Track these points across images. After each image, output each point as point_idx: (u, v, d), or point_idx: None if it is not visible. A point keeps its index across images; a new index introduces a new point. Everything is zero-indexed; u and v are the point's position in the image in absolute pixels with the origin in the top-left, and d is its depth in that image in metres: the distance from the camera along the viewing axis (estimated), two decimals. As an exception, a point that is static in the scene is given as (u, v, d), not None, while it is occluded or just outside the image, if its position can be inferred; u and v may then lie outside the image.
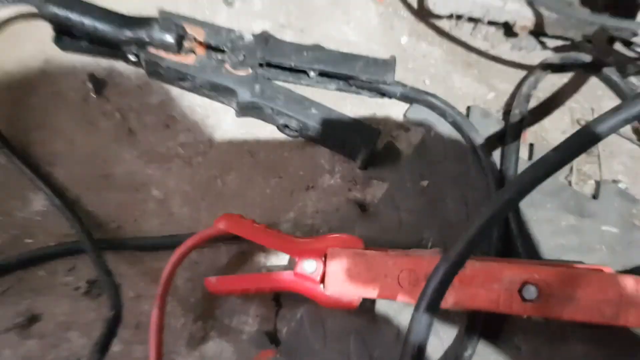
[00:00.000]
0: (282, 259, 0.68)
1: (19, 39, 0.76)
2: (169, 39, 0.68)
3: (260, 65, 0.71)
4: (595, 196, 0.72)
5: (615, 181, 0.73)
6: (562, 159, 0.46)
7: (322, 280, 0.58)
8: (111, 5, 0.72)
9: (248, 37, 0.71)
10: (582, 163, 0.75)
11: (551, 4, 0.70)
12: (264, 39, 0.72)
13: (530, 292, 0.53)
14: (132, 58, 0.72)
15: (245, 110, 0.71)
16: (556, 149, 0.46)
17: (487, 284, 0.54)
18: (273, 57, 0.71)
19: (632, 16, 0.69)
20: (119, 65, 0.76)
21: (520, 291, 0.53)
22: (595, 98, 0.78)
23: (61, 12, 0.68)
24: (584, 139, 0.47)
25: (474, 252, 0.50)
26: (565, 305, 0.53)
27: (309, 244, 0.61)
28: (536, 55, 0.80)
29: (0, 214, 0.68)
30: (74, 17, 0.68)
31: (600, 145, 0.76)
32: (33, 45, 0.76)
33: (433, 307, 0.43)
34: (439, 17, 0.80)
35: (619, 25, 0.68)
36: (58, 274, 0.66)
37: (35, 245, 0.67)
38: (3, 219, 0.68)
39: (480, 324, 0.61)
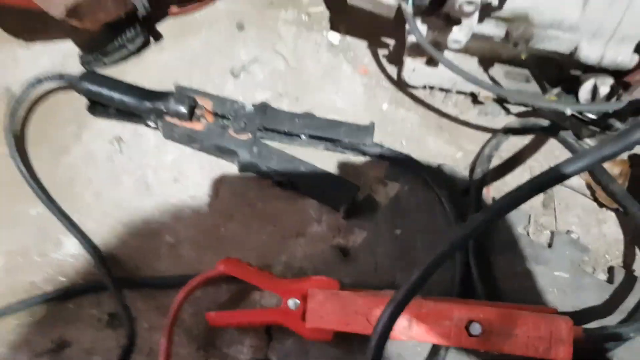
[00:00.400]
0: (273, 297, 0.79)
1: (58, 107, 0.91)
2: (183, 109, 0.82)
3: (259, 130, 0.84)
4: (550, 245, 0.82)
5: (569, 232, 0.83)
6: (491, 216, 0.56)
7: (303, 316, 0.69)
8: (136, 80, 0.87)
9: (249, 107, 0.85)
10: (539, 215, 0.85)
11: (501, 91, 0.82)
12: (263, 108, 0.85)
13: (475, 328, 0.63)
14: (151, 124, 0.86)
15: (246, 167, 0.84)
16: (484, 211, 0.56)
17: (440, 321, 0.64)
18: (270, 124, 0.84)
19: (576, 91, 0.80)
20: (141, 128, 0.89)
21: (467, 328, 0.63)
22: (553, 158, 0.89)
23: (94, 88, 0.82)
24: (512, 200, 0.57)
25: (433, 293, 0.60)
26: (505, 341, 0.63)
27: (293, 285, 0.72)
28: (500, 119, 0.91)
29: (38, 255, 0.81)
30: (105, 92, 0.82)
31: (557, 199, 0.86)
32: (69, 112, 0.90)
33: (383, 338, 0.54)
34: (414, 87, 0.92)
35: (560, 107, 0.78)
36: (85, 307, 0.78)
37: (66, 282, 0.79)
38: (41, 260, 0.81)
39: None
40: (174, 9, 0.96)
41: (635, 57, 0.73)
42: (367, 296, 0.68)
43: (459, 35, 0.73)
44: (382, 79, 0.96)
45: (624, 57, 0.72)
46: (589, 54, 0.72)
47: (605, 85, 0.75)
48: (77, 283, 0.79)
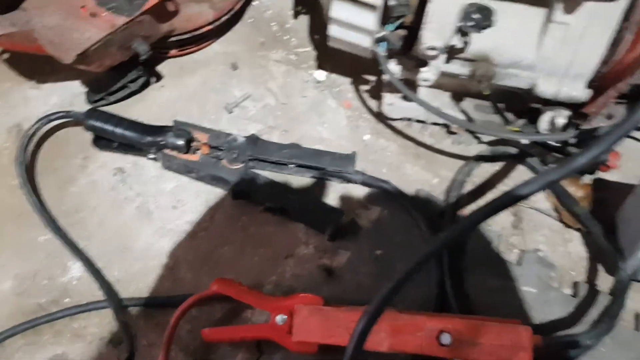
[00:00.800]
0: (263, 313, 0.85)
1: (65, 142, 0.99)
2: (180, 142, 0.90)
3: (250, 160, 0.92)
4: (519, 263, 0.89)
5: (536, 250, 0.90)
6: (452, 235, 0.63)
7: (290, 330, 0.75)
8: (138, 116, 0.95)
9: (241, 139, 0.93)
10: (509, 235, 0.92)
11: (462, 123, 0.90)
12: (253, 140, 0.93)
13: (446, 338, 0.69)
14: (151, 156, 0.93)
15: (238, 195, 0.91)
16: (446, 230, 0.63)
17: (414, 332, 0.71)
18: (260, 154, 0.92)
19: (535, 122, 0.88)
20: (141, 160, 0.97)
21: (438, 338, 0.70)
22: (521, 182, 0.96)
23: (98, 124, 0.90)
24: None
25: (412, 308, 0.66)
26: (473, 349, 0.69)
27: (281, 302, 0.78)
28: (473, 148, 0.99)
29: (46, 279, 0.87)
30: (108, 127, 0.90)
31: (526, 221, 0.93)
32: (76, 146, 0.98)
33: (358, 348, 0.60)
34: (394, 119, 1.01)
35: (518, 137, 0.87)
36: (88, 326, 0.84)
37: (71, 303, 0.85)
38: (48, 283, 0.87)
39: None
40: (173, 51, 1.05)
41: (588, 92, 0.81)
42: (348, 311, 0.75)
43: (427, 74, 0.81)
44: (364, 112, 1.04)
45: (577, 92, 0.80)
46: (546, 89, 0.81)
47: (561, 117, 0.83)
48: (81, 304, 0.85)
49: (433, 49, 0.74)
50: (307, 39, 1.12)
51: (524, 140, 0.82)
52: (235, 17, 1.11)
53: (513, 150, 0.96)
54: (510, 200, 0.63)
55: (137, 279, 0.88)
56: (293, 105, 1.04)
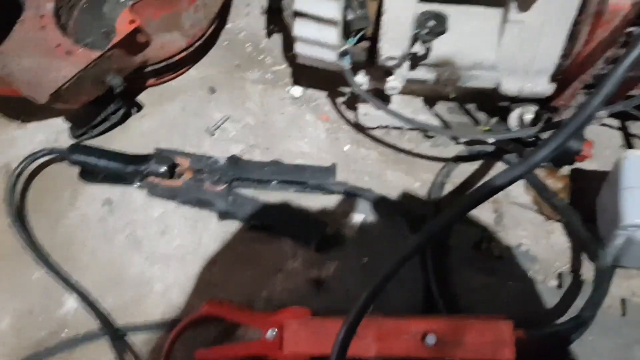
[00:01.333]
0: (256, 330, 0.87)
1: (53, 178, 1.01)
2: (163, 169, 0.92)
3: (233, 180, 0.94)
4: (503, 258, 0.90)
5: (519, 245, 0.92)
6: (425, 239, 0.64)
7: (281, 345, 0.77)
8: (121, 147, 0.97)
9: (222, 161, 0.95)
10: (492, 232, 0.94)
11: (431, 128, 0.92)
12: (234, 161, 0.95)
13: (431, 339, 0.71)
14: (136, 184, 0.96)
15: (224, 216, 0.93)
16: (418, 234, 0.65)
17: (399, 335, 0.72)
18: (242, 174, 0.94)
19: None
20: (128, 189, 0.99)
21: (423, 339, 0.71)
22: (501, 178, 0.98)
23: (82, 158, 0.93)
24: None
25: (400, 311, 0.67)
26: (458, 348, 0.70)
27: (270, 317, 0.80)
28: (451, 149, 1.01)
29: (42, 314, 0.89)
30: (92, 160, 0.93)
31: (507, 217, 0.95)
32: (63, 181, 1.01)
33: (341, 355, 0.61)
34: (371, 128, 1.03)
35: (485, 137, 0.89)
36: (88, 355, 0.86)
37: (69, 335, 0.87)
38: (45, 318, 0.89)
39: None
40: (151, 80, 1.07)
41: (552, 86, 0.83)
42: (336, 320, 0.76)
43: (394, 83, 0.83)
44: (342, 124, 1.06)
45: (541, 88, 0.82)
46: (510, 88, 0.83)
47: (529, 112, 0.85)
48: (79, 335, 0.87)
49: (392, 58, 0.76)
50: (281, 56, 1.14)
51: (490, 140, 0.84)
52: (210, 41, 1.13)
53: (490, 148, 0.97)
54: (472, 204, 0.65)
55: (131, 306, 0.90)
56: (272, 123, 1.06)
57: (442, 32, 0.72)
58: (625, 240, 0.77)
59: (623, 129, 1.03)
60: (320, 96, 1.09)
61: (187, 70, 1.11)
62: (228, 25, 1.19)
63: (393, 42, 0.74)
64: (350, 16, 0.75)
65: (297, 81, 1.11)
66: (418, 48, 0.78)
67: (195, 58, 1.11)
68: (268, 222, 0.91)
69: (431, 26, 0.71)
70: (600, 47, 0.76)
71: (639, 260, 0.84)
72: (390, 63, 0.77)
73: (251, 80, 1.12)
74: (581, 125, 0.62)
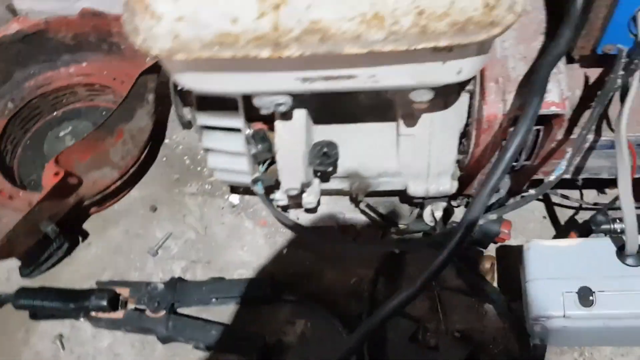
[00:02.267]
0: None
1: (4, 320, 1.04)
2: (103, 303, 0.95)
3: (173, 304, 0.97)
4: (436, 347, 0.92)
5: (453, 331, 0.94)
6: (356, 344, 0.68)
7: None
8: (69, 279, 1.02)
9: (160, 287, 0.98)
10: (427, 320, 0.96)
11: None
12: (172, 284, 0.99)
13: None
14: (81, 319, 0.99)
15: (166, 340, 0.96)
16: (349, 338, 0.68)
17: None
18: (180, 297, 0.97)
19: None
20: (78, 322, 1.02)
21: None
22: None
23: (27, 302, 0.96)
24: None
25: None
26: None
27: None
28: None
29: None
30: (37, 303, 0.96)
31: (441, 303, 0.98)
32: (16, 321, 1.03)
33: None
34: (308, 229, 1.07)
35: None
36: None
37: None
38: None
39: None
40: (93, 209, 1.12)
41: (455, 184, 0.87)
42: None
43: (309, 198, 0.88)
44: (280, 227, 1.10)
45: (445, 187, 0.87)
46: (416, 190, 0.87)
47: (438, 209, 0.90)
48: None
49: (294, 189, 0.81)
50: (217, 166, 1.20)
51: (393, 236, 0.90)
52: (149, 159, 1.19)
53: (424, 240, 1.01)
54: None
55: None
56: (212, 235, 1.11)
57: (335, 161, 0.77)
58: (541, 328, 0.79)
59: (544, 199, 1.07)
60: (257, 201, 1.14)
61: (128, 192, 1.16)
62: (166, 141, 1.26)
63: (291, 174, 0.79)
64: (253, 150, 0.80)
65: (233, 189, 1.16)
66: (318, 175, 0.83)
67: (134, 180, 1.16)
68: (209, 342, 0.94)
69: (324, 156, 0.76)
70: (489, 148, 0.81)
71: (567, 341, 0.86)
72: (293, 193, 0.82)
73: (190, 193, 1.17)
74: (460, 241, 0.67)
